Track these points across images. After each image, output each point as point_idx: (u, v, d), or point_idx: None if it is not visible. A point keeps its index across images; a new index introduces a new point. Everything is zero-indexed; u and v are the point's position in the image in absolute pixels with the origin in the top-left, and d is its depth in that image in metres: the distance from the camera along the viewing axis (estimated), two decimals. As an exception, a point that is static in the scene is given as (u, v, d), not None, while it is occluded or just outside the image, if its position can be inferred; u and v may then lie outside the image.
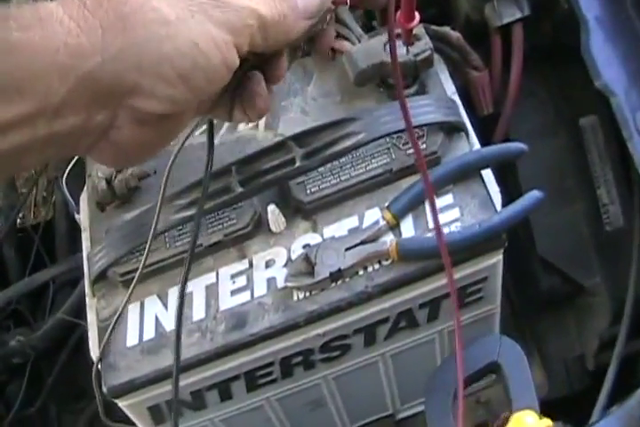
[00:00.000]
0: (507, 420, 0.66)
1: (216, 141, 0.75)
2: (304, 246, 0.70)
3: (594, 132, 0.93)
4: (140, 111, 0.44)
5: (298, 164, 0.70)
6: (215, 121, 0.57)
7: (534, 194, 0.71)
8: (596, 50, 0.82)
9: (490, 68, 0.85)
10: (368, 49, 0.75)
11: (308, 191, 0.72)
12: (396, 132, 0.71)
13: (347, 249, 0.69)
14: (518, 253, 0.89)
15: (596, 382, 0.90)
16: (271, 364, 0.70)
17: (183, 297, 0.61)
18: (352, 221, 0.71)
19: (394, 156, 0.72)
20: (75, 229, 0.81)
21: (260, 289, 0.68)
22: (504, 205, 0.71)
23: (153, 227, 0.63)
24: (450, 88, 0.78)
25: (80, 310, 0.83)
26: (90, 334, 0.70)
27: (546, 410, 0.87)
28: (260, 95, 0.50)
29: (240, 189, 0.69)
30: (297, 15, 0.49)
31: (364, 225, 0.71)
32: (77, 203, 0.80)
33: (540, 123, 0.94)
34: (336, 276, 0.67)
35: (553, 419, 0.81)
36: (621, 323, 0.88)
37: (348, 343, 0.73)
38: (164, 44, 0.43)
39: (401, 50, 0.74)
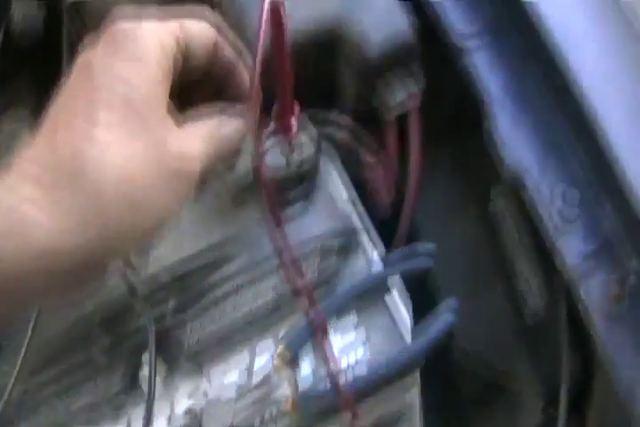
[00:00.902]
0: None
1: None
2: (188, 398, 0.61)
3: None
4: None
5: (169, 318, 0.60)
6: None
7: (447, 318, 0.63)
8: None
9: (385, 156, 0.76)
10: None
11: (189, 331, 0.62)
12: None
13: (237, 400, 0.60)
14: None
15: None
16: None
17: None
18: (242, 360, 0.62)
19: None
20: None
21: (140, 461, 0.59)
22: (415, 310, 0.64)
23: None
24: (342, 190, 0.68)
25: None
26: None
27: None
28: None
29: (103, 359, 0.59)
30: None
31: (256, 365, 0.61)
32: None
33: (448, 200, 0.86)
34: (226, 437, 0.59)
35: None
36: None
37: None
38: (138, 224, 0.43)
39: (280, 161, 0.65)
